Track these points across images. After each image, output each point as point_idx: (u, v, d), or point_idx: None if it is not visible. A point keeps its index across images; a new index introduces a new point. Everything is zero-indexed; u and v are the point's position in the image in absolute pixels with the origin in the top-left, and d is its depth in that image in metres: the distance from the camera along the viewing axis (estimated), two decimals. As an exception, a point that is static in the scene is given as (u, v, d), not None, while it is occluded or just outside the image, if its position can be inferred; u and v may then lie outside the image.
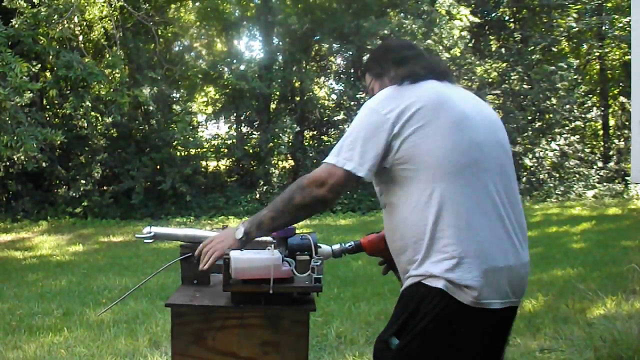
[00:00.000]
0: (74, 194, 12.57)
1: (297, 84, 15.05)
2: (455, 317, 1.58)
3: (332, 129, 15.42)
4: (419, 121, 1.62)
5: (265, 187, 13.85)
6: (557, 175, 15.35)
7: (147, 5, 13.89)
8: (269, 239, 1.89)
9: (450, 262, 1.57)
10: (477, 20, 14.69)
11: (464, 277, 1.56)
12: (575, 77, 15.61)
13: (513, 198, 1.70)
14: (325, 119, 15.52)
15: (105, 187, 13.32)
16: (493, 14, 16.64)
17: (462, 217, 1.59)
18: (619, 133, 16.90)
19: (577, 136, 15.99)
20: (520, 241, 1.68)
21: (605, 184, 15.12)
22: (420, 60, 1.80)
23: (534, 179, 15.07)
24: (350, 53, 15.70)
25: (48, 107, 13.38)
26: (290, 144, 14.53)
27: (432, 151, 1.60)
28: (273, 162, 14.38)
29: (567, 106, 15.45)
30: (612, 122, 17.36)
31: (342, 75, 16.64)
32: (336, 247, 1.98)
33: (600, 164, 15.82)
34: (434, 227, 1.59)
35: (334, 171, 1.64)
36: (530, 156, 15.21)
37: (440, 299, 1.57)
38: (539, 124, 15.73)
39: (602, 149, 16.84)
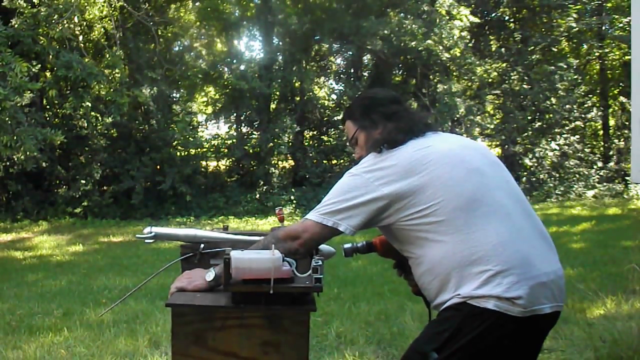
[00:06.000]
0: (74, 194, 12.58)
1: (297, 84, 15.05)
2: (503, 331, 1.59)
3: (332, 129, 15.44)
4: (410, 176, 1.66)
5: (265, 187, 13.85)
6: (557, 175, 15.35)
7: (147, 5, 13.90)
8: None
9: (495, 278, 1.57)
10: (477, 20, 14.69)
11: (511, 289, 1.56)
12: (575, 77, 15.61)
13: (528, 209, 1.74)
14: (325, 119, 15.54)
15: (105, 187, 13.32)
16: (493, 14, 16.64)
17: (491, 235, 1.61)
18: (619, 133, 16.90)
19: (577, 136, 15.99)
20: (550, 249, 1.71)
21: (605, 184, 15.13)
22: (403, 120, 1.83)
23: (534, 179, 15.07)
24: (350, 53, 15.71)
25: (48, 107, 13.38)
26: (290, 144, 14.54)
27: (435, 194, 1.64)
28: (273, 162, 14.39)
29: (567, 106, 15.45)
30: (612, 122, 17.36)
31: (342, 75, 16.66)
32: (347, 245, 1.97)
33: (600, 164, 15.82)
34: (467, 255, 1.60)
35: (310, 227, 1.69)
36: (530, 156, 15.22)
37: (488, 317, 1.57)
38: (539, 124, 15.74)
39: (602, 149, 16.85)
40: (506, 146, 15.56)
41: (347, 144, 2.00)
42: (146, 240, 1.98)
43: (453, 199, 1.63)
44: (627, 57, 14.34)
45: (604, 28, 16.11)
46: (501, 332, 1.58)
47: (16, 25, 10.47)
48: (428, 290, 1.71)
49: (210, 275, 1.73)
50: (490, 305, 1.56)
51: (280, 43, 15.31)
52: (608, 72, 17.02)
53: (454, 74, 15.47)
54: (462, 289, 1.60)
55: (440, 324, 1.64)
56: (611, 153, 16.40)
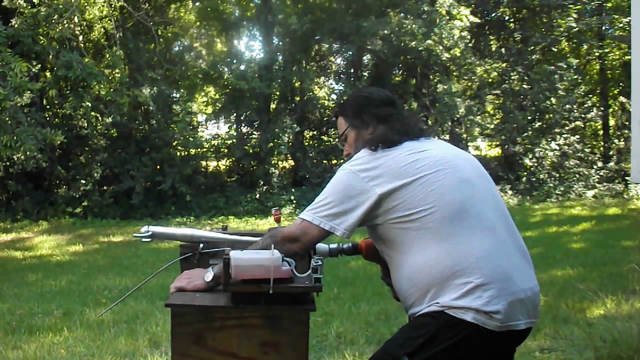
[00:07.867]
0: (74, 194, 12.57)
1: (297, 84, 15.05)
2: (477, 344, 1.59)
3: (332, 129, 15.42)
4: (402, 179, 1.66)
5: (265, 187, 13.85)
6: (557, 175, 15.34)
7: (147, 5, 13.91)
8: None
9: (475, 291, 1.58)
10: (477, 20, 14.68)
11: (490, 303, 1.57)
12: (575, 77, 15.60)
13: (511, 224, 1.75)
14: (325, 119, 15.52)
15: (105, 187, 13.32)
16: (493, 14, 16.64)
17: (475, 247, 1.61)
18: (619, 133, 16.88)
19: (577, 136, 15.98)
20: (528, 265, 1.72)
21: (605, 184, 15.12)
22: (397, 122, 1.82)
23: (534, 179, 15.06)
24: (350, 53, 15.70)
25: (48, 107, 13.37)
26: (290, 144, 14.53)
27: (425, 200, 1.64)
28: (273, 162, 14.38)
29: (567, 106, 15.44)
30: (612, 122, 17.35)
31: (342, 75, 16.65)
32: (333, 246, 1.98)
33: (600, 164, 15.81)
34: (450, 265, 1.60)
35: (309, 229, 1.69)
36: (530, 156, 15.21)
37: (464, 328, 1.57)
38: (539, 124, 15.73)
39: (602, 149, 16.84)
40: (506, 146, 15.56)
41: (337, 139, 2.02)
42: (143, 239, 1.97)
43: (442, 207, 1.63)
44: (627, 57, 14.33)
45: (604, 28, 16.10)
46: (475, 344, 1.59)
47: (16, 25, 10.48)
48: (404, 297, 1.71)
49: (209, 275, 1.73)
50: (468, 317, 1.57)
51: (280, 43, 15.30)
52: (608, 72, 17.01)
53: (454, 74, 15.46)
54: (441, 298, 1.60)
55: (415, 329, 1.64)
56: (611, 153, 16.39)
